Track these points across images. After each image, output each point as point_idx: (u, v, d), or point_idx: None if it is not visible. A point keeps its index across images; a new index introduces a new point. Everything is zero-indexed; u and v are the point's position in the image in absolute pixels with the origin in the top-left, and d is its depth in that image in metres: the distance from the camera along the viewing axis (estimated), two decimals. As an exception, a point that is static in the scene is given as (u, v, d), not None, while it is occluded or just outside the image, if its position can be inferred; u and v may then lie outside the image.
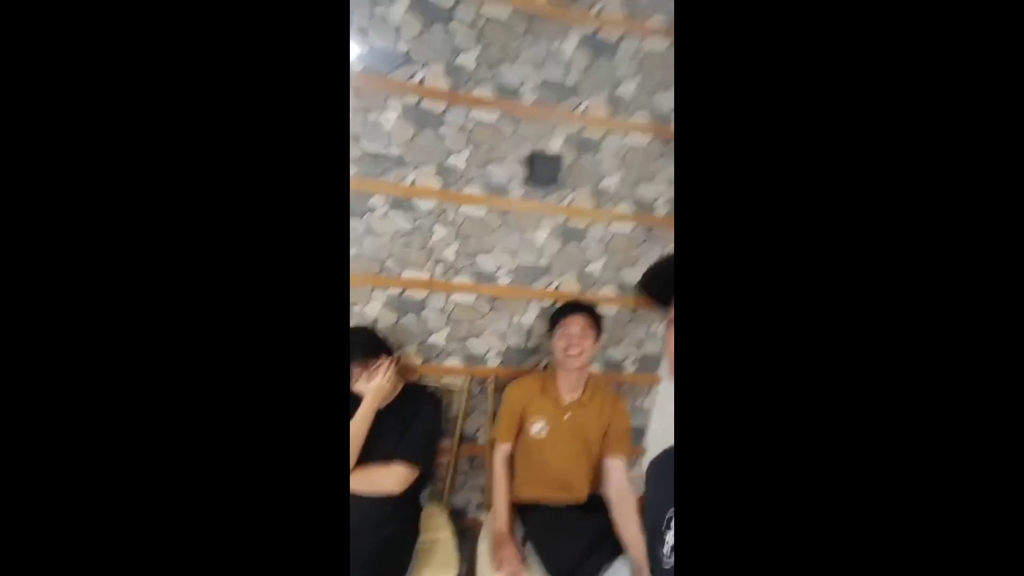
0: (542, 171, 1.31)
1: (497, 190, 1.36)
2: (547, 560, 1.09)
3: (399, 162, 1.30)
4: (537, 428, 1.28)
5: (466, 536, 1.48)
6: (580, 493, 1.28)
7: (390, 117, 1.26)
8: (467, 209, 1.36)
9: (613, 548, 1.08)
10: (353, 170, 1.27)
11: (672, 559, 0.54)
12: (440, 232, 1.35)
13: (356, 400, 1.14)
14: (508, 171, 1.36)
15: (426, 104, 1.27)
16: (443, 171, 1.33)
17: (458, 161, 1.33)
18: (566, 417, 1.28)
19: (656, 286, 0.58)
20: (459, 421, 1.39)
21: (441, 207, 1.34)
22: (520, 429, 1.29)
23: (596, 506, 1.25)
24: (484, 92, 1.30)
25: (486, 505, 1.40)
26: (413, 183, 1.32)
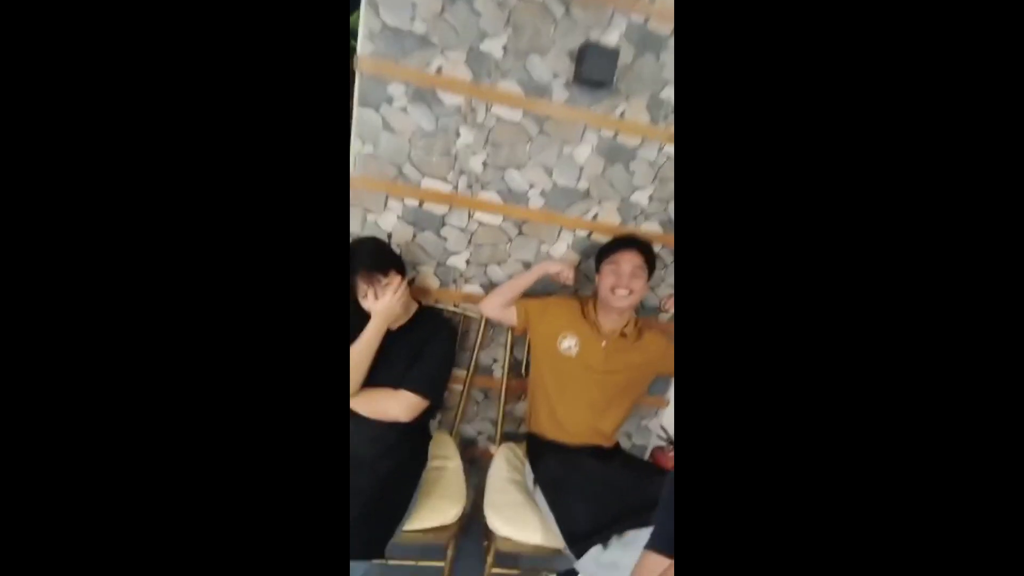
0: (594, 67, 1.08)
1: (537, 90, 1.15)
2: (559, 515, 0.99)
3: (424, 42, 1.07)
4: (567, 344, 1.17)
5: (476, 466, 1.44)
6: (605, 436, 1.18)
7: (415, -17, 1.03)
8: (500, 111, 1.15)
9: (636, 511, 0.91)
10: (369, 48, 1.06)
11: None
12: (467, 136, 1.16)
13: (365, 318, 1.03)
14: (552, 65, 1.13)
15: (460, -31, 1.03)
16: (475, 58, 1.10)
17: (494, 47, 1.10)
18: (603, 344, 1.17)
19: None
20: (475, 351, 1.29)
21: (470, 104, 1.13)
22: (546, 347, 1.18)
23: (622, 458, 1.17)
24: (533, -42, 1.04)
25: (497, 439, 1.33)
26: (439, 71, 1.10)
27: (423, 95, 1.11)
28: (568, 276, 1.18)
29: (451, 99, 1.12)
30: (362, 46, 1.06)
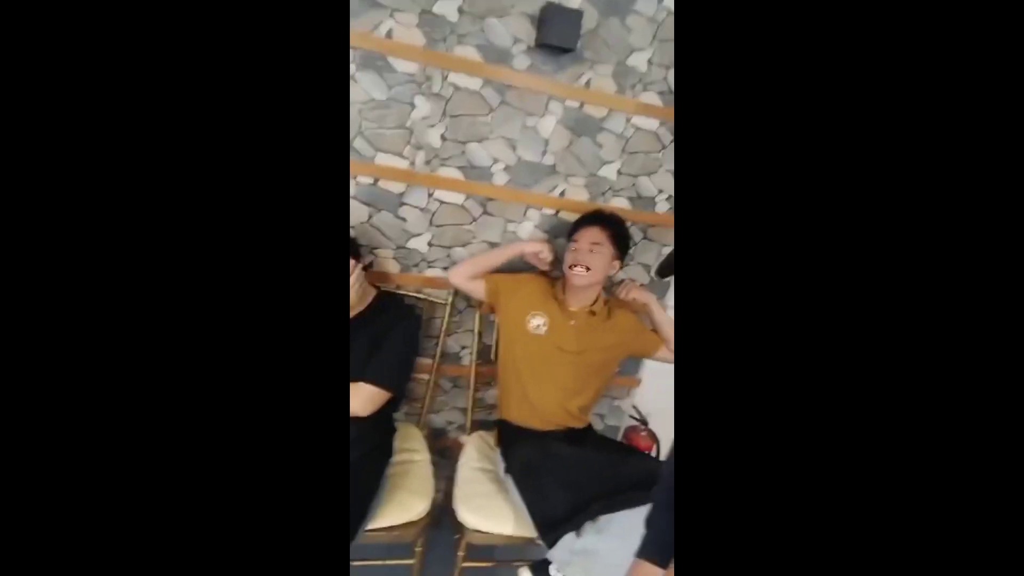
0: (556, 31, 1.01)
1: (497, 56, 1.07)
2: (530, 503, 0.95)
3: (371, 3, 0.98)
4: (536, 323, 1.13)
5: (445, 457, 1.39)
6: (577, 417, 1.15)
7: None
8: (458, 79, 1.07)
9: (610, 494, 0.88)
10: (308, 8, 0.96)
11: None
12: (423, 107, 1.07)
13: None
14: (513, 29, 1.06)
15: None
16: (428, 21, 1.02)
17: (448, 9, 1.02)
18: (571, 323, 1.13)
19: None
20: (440, 338, 1.23)
21: (425, 72, 1.05)
22: (515, 325, 1.14)
23: (594, 439, 1.14)
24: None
25: (467, 427, 1.28)
26: (390, 34, 1.01)
27: (372, 61, 1.02)
28: (546, 258, 1.13)
29: (404, 66, 1.04)
30: (301, 5, 0.95)
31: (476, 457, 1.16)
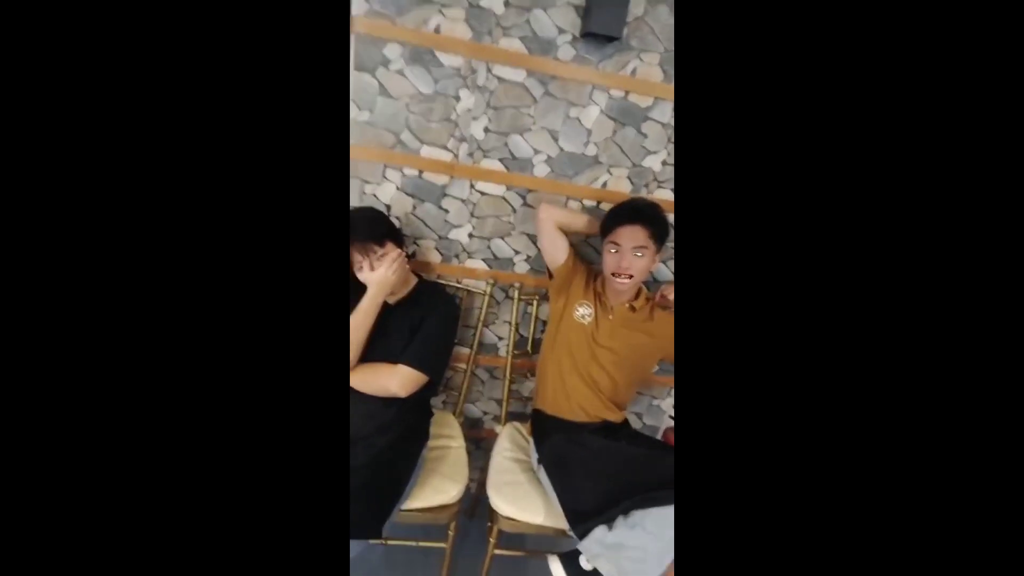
0: (602, 19, 1.00)
1: (542, 47, 1.07)
2: (562, 494, 0.94)
3: (419, -2, 1.01)
4: (582, 312, 1.12)
5: (480, 447, 1.41)
6: (612, 410, 1.13)
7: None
8: (502, 71, 1.08)
9: (643, 489, 0.85)
10: (363, 6, 1.00)
11: None
12: (467, 100, 1.09)
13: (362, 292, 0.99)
14: (558, 20, 1.06)
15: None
16: (475, 15, 1.04)
17: (495, 2, 1.03)
18: (609, 317, 1.11)
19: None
20: (478, 328, 1.24)
21: (470, 65, 1.07)
22: (566, 310, 1.13)
23: (629, 434, 1.11)
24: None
25: (502, 418, 1.29)
26: (438, 29, 1.04)
27: (421, 56, 1.05)
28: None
29: (450, 60, 1.06)
30: (356, 4, 1.00)
31: (509, 447, 1.16)
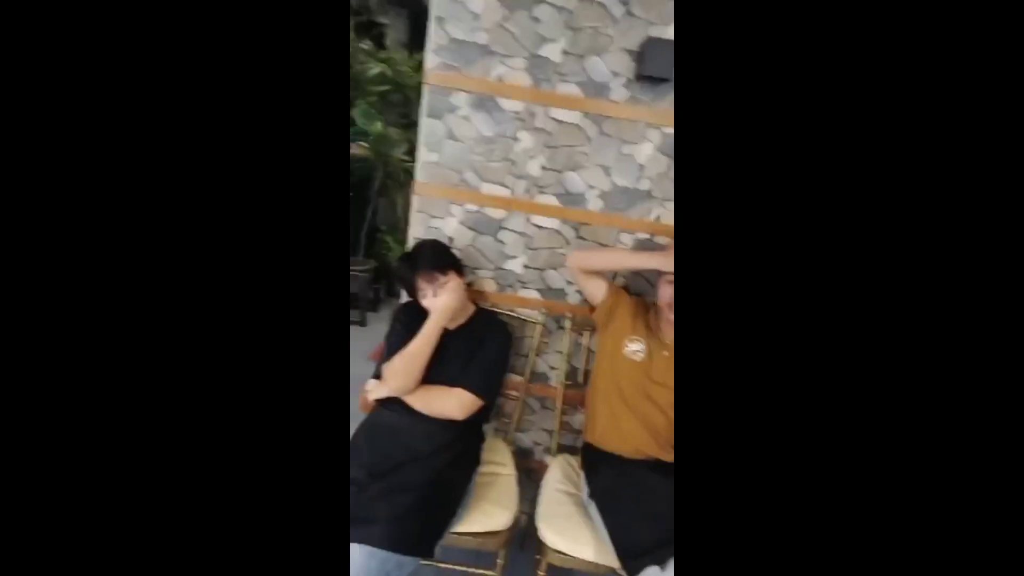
0: (655, 62, 1.05)
1: (596, 90, 1.14)
2: (613, 530, 0.92)
3: (485, 51, 1.12)
4: (634, 348, 1.10)
5: (530, 477, 1.40)
6: (665, 449, 1.09)
7: (479, -4, 1.08)
8: (558, 113, 1.15)
9: None
10: (435, 60, 1.13)
11: None
12: (525, 140, 1.17)
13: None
14: (612, 64, 1.12)
15: (520, -21, 1.07)
16: (535, 64, 1.12)
17: (553, 51, 1.12)
18: (664, 353, 1.09)
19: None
20: (531, 357, 1.27)
21: (528, 109, 1.15)
22: (614, 346, 1.12)
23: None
24: (592, -39, 1.05)
25: (553, 449, 1.29)
26: (500, 78, 1.14)
27: (484, 102, 1.15)
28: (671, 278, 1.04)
29: (511, 105, 1.15)
30: (429, 59, 1.13)
31: (560, 478, 1.15)
